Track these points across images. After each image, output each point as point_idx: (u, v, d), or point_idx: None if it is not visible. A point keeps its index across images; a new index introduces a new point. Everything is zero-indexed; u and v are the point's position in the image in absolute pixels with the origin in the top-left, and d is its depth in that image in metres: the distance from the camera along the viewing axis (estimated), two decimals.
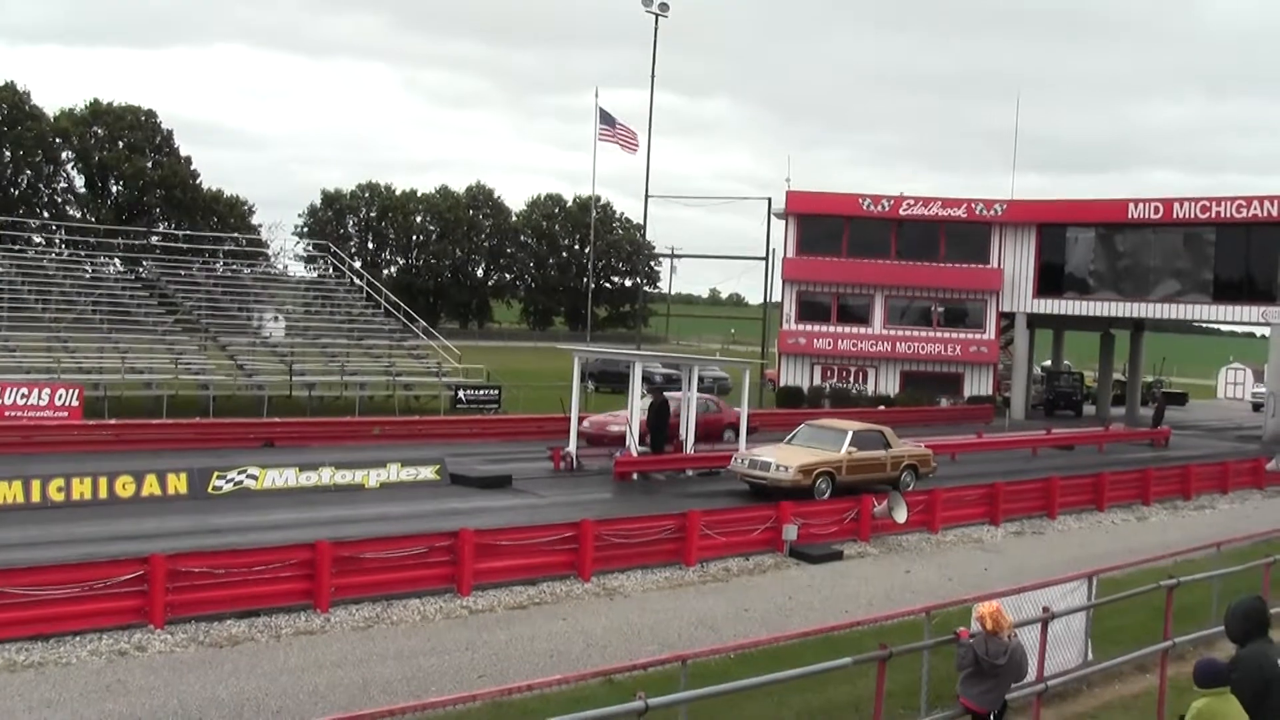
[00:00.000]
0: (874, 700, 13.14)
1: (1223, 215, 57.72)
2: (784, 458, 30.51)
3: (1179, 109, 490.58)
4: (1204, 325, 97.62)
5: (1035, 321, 65.25)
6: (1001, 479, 32.29)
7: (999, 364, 65.27)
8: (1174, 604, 17.00)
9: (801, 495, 28.66)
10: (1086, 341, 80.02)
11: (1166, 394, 68.27)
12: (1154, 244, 60.56)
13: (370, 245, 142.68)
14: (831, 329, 64.80)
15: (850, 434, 31.58)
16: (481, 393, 47.76)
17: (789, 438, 33.01)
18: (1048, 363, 79.54)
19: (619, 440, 35.84)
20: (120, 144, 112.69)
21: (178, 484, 27.10)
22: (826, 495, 29.48)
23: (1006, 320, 64.35)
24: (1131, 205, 60.04)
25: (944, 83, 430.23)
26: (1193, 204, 58.67)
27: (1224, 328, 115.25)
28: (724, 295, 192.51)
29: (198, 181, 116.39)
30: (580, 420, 36.83)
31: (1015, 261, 62.77)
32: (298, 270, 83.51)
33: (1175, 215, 58.83)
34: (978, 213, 63.02)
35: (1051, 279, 62.62)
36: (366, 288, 61.89)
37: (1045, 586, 16.44)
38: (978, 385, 63.40)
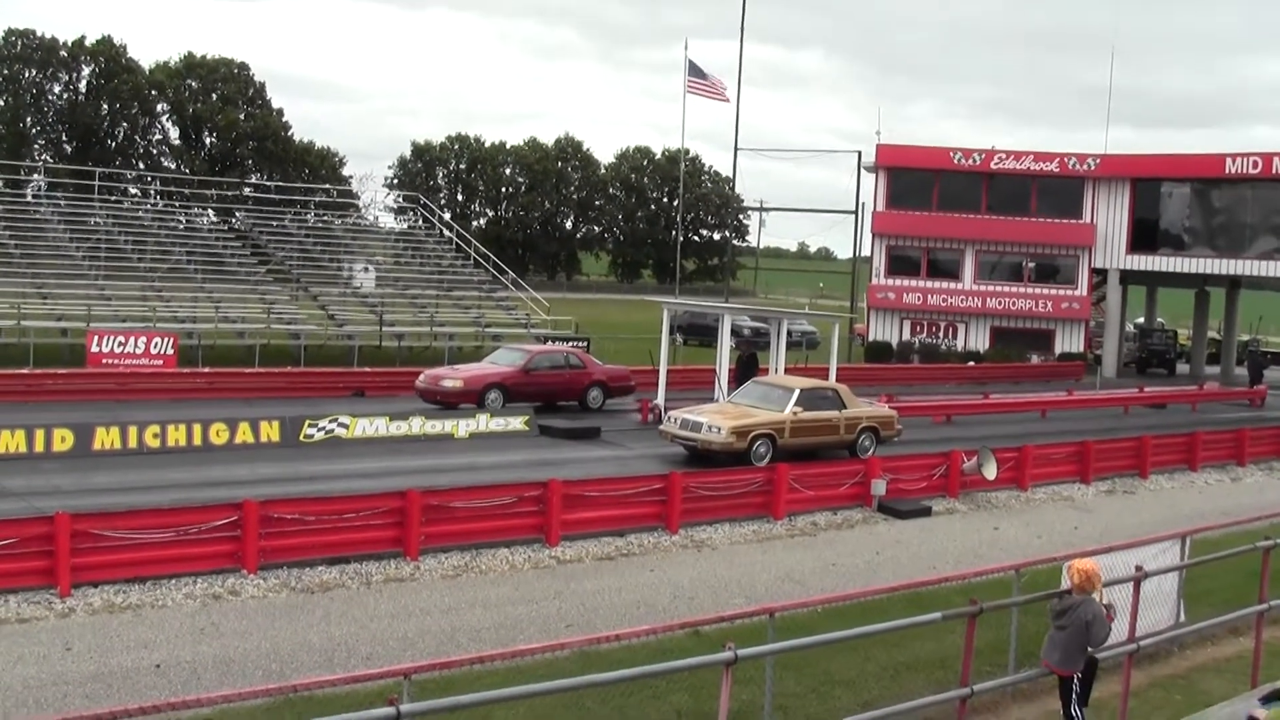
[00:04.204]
0: (961, 657, 13.07)
1: None
2: (717, 418, 27.89)
3: None
4: None
5: (1128, 278, 64.29)
6: (1092, 437, 31.96)
7: (1091, 321, 64.44)
8: (1270, 566, 16.73)
9: (737, 459, 26.89)
10: (1181, 299, 78.88)
11: (1265, 353, 66.92)
12: (1252, 200, 59.26)
13: (460, 197, 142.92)
14: (921, 284, 64.25)
15: (796, 393, 28.93)
16: (569, 344, 47.86)
17: (732, 395, 31.15)
18: (1141, 320, 78.46)
19: (453, 396, 33.38)
20: (214, 96, 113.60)
21: (270, 432, 27.47)
22: (766, 460, 27.07)
23: (1099, 276, 63.42)
24: (1229, 160, 58.74)
25: (1039, 36, 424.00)
26: None
27: None
28: (813, 249, 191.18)
29: (289, 133, 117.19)
30: (417, 375, 35.33)
31: (1108, 217, 61.76)
32: (388, 221, 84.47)
33: (1275, 170, 57.30)
34: (1070, 167, 62.03)
35: (1145, 235, 61.51)
36: (456, 239, 62.26)
37: (1137, 546, 16.26)
38: (1069, 342, 62.61)
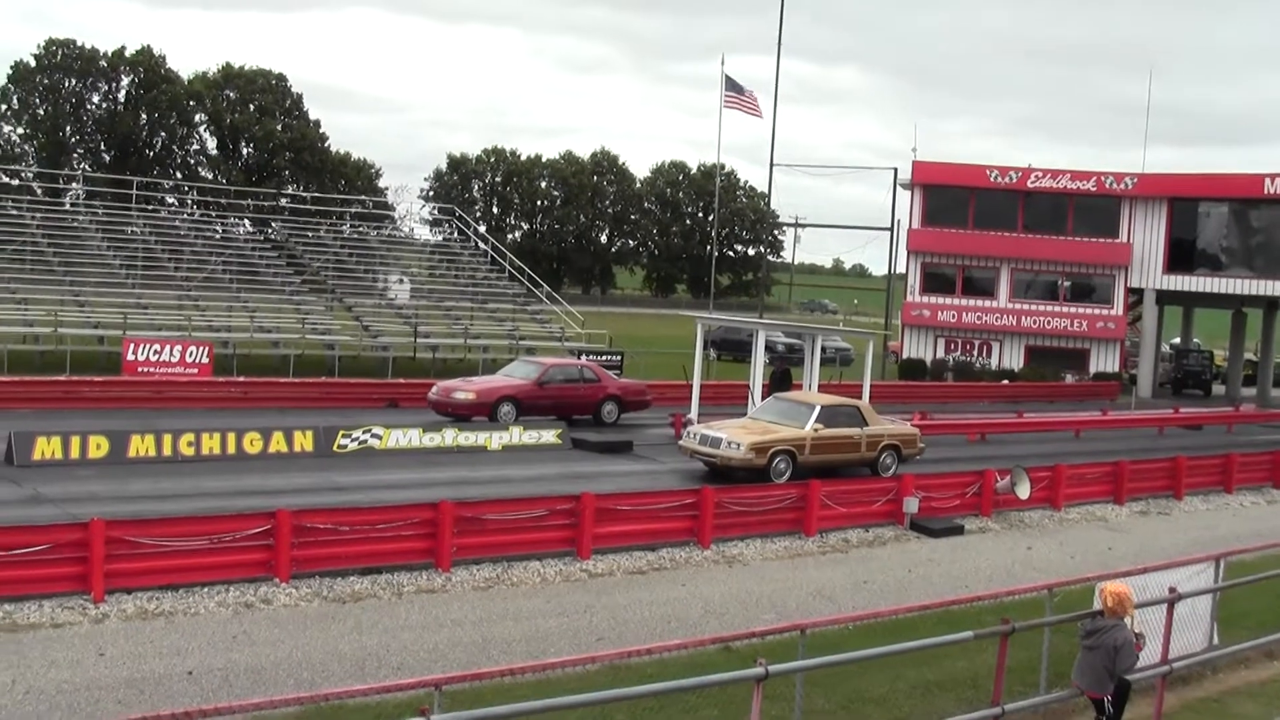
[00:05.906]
0: (993, 676, 13.05)
1: None
2: (737, 434, 27.46)
3: None
4: None
5: (1165, 298, 63.93)
6: (1127, 457, 31.79)
7: (1126, 340, 64.15)
8: None
9: (756, 476, 26.55)
10: (1218, 319, 78.43)
11: None
12: None
13: (495, 210, 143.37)
14: (956, 301, 64.03)
15: (817, 409, 28.45)
16: (604, 358, 47.84)
17: (753, 411, 30.76)
18: (1177, 340, 78.07)
19: (465, 409, 33.02)
20: (251, 107, 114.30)
21: (304, 441, 27.55)
22: (786, 477, 26.85)
23: (1135, 296, 63.17)
24: (1268, 180, 58.33)
25: (1077, 53, 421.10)
26: None
27: None
28: (848, 265, 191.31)
29: (326, 144, 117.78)
30: (430, 386, 34.98)
31: (1145, 236, 61.46)
32: (423, 233, 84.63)
33: None
34: (1107, 186, 61.77)
35: (1182, 255, 61.19)
36: (491, 251, 62.34)
37: (1171, 567, 16.20)
38: (1104, 361, 62.30)
